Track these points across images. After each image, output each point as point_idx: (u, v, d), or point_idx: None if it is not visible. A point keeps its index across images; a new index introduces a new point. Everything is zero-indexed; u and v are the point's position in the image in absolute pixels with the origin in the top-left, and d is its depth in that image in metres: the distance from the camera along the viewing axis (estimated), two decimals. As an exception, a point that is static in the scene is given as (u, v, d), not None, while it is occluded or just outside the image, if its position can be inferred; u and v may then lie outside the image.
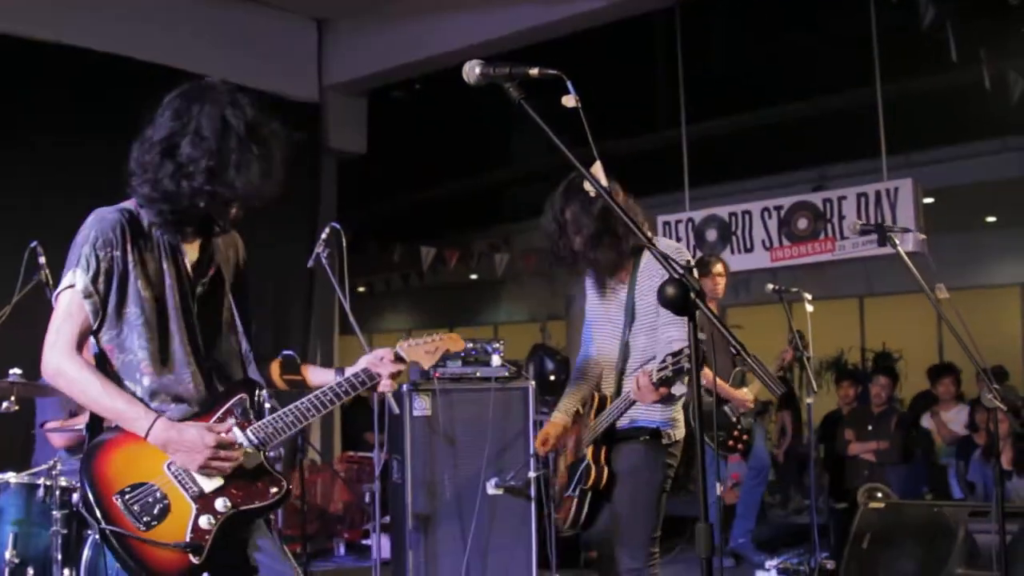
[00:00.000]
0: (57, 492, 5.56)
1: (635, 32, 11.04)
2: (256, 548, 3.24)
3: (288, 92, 10.41)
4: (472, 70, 2.75)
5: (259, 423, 3.21)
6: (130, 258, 3.13)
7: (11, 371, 5.66)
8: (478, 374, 6.57)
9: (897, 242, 5.02)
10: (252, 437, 3.18)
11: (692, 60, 10.44)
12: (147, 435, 3.02)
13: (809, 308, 7.33)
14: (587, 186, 2.58)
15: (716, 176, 12.15)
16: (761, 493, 8.77)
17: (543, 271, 16.36)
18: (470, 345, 6.79)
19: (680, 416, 4.51)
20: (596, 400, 4.56)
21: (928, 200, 10.82)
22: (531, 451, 6.38)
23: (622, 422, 4.43)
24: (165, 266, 3.20)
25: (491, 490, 6.43)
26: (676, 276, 2.43)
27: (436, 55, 10.29)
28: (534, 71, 2.68)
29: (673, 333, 4.27)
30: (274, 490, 3.21)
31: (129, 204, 3.23)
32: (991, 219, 15.23)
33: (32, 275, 5.58)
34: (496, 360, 6.66)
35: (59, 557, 5.46)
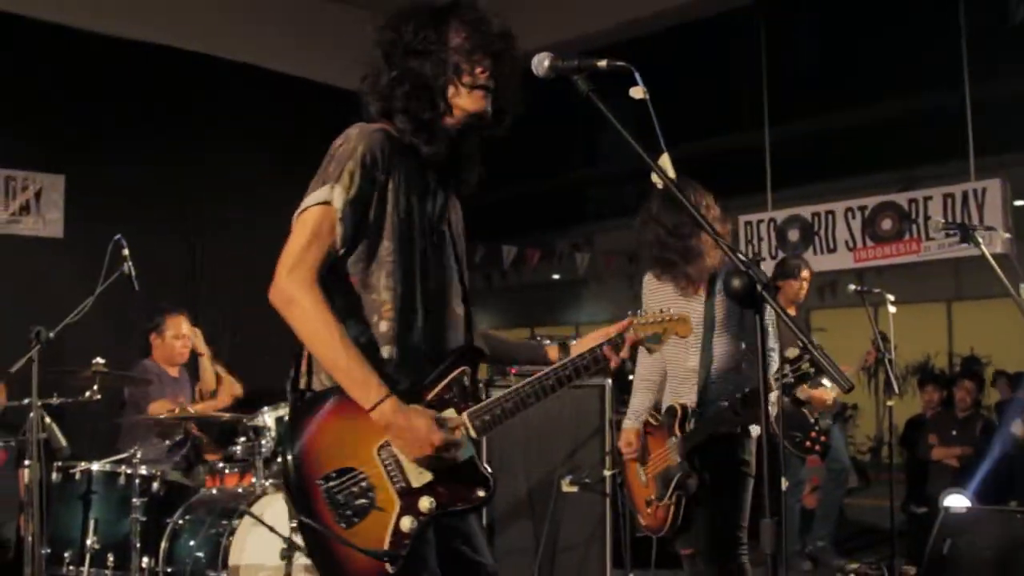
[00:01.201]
0: (137, 480, 5.69)
1: (719, 31, 10.97)
2: (461, 538, 2.91)
3: (344, 84, 10.51)
4: (541, 63, 2.75)
5: (476, 408, 2.80)
6: (391, 184, 2.79)
7: (95, 361, 5.81)
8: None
9: (981, 241, 4.94)
10: (470, 425, 2.79)
11: (775, 59, 10.33)
12: (371, 409, 2.65)
13: (892, 310, 7.22)
14: (654, 178, 2.56)
15: (799, 177, 12.02)
16: (840, 495, 8.64)
17: (625, 271, 16.34)
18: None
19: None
20: (679, 410, 4.65)
21: (1020, 203, 10.60)
22: (607, 449, 6.37)
23: None
24: (415, 199, 2.86)
25: (566, 487, 6.43)
26: (742, 268, 2.42)
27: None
28: (602, 63, 2.66)
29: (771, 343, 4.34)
30: (480, 492, 2.79)
31: (385, 124, 2.87)
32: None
33: (116, 268, 5.71)
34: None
35: (138, 545, 5.60)
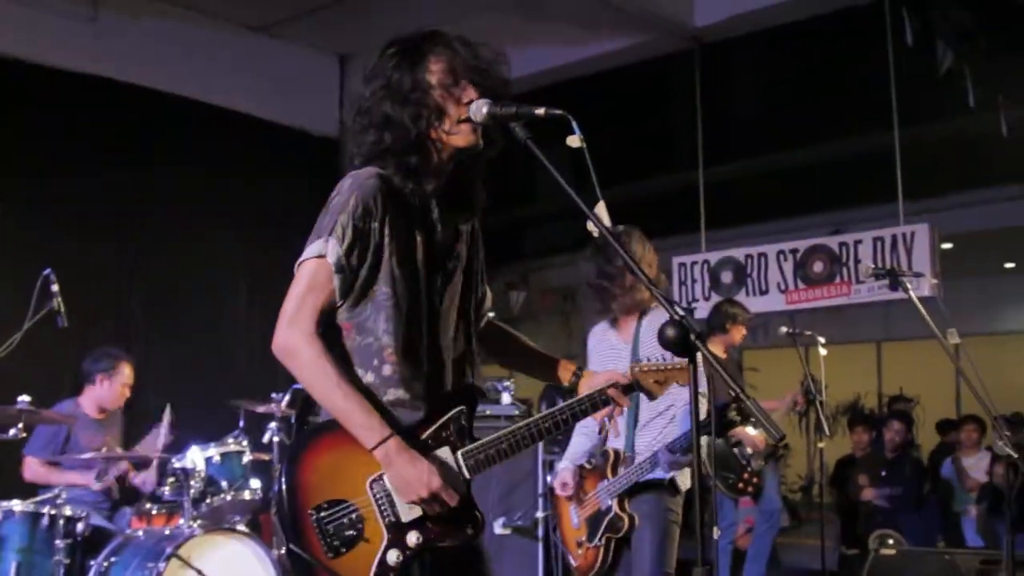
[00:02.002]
0: (61, 521, 5.58)
1: (654, 74, 11.09)
2: None
3: (309, 127, 10.50)
4: (480, 109, 2.78)
5: (471, 447, 2.85)
6: (387, 231, 2.82)
7: (19, 398, 5.70)
8: (488, 412, 6.56)
9: (909, 287, 5.02)
10: (463, 463, 2.84)
11: (710, 103, 10.46)
12: (374, 449, 2.72)
13: (823, 352, 7.31)
14: (590, 226, 2.58)
15: (733, 219, 12.15)
16: (772, 537, 8.68)
17: (560, 309, 16.38)
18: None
19: (688, 467, 4.61)
20: (612, 454, 4.73)
21: (947, 245, 10.79)
22: (540, 491, 6.37)
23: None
24: (418, 238, 2.90)
25: (498, 529, 6.42)
26: (677, 318, 2.43)
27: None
28: (540, 111, 2.69)
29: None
30: (468, 530, 2.85)
31: (379, 169, 2.89)
32: (1010, 265, 15.18)
33: (44, 303, 5.62)
34: (506, 398, 6.66)
35: (62, 587, 5.48)
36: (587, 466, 4.90)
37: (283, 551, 2.82)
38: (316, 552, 2.71)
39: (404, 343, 2.84)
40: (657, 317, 4.55)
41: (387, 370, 2.82)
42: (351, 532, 2.73)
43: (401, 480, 2.73)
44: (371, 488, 2.77)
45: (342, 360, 2.82)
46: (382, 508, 2.76)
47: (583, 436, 5.00)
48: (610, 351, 4.87)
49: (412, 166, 2.85)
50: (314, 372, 2.75)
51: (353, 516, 2.74)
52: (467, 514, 2.85)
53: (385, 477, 2.77)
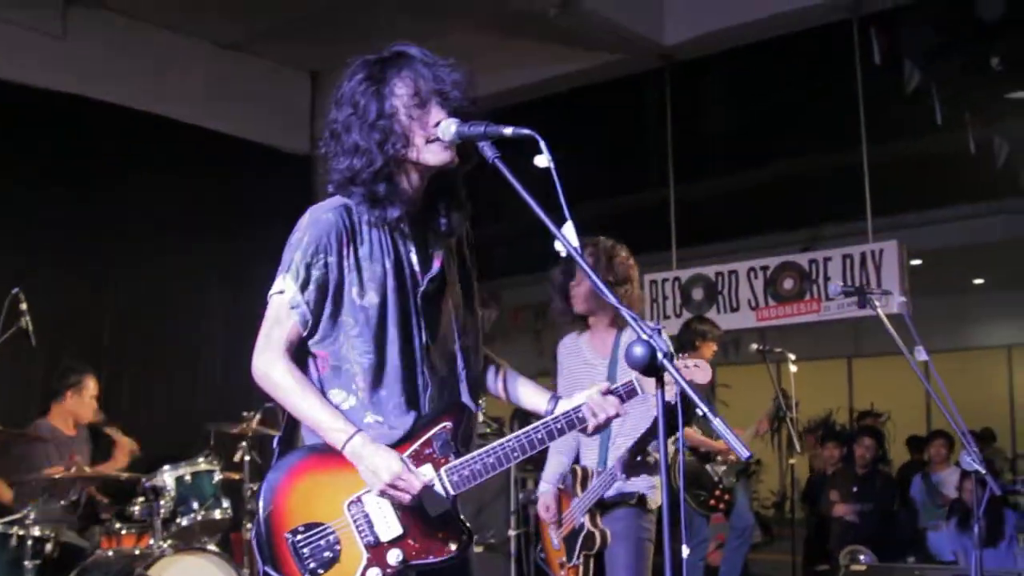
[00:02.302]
0: (30, 542, 5.54)
1: (625, 92, 11.13)
2: None
3: (281, 144, 10.48)
4: (448, 129, 2.81)
5: (456, 463, 2.89)
6: (346, 264, 2.90)
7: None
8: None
9: (877, 304, 5.05)
10: (446, 480, 2.87)
11: (681, 121, 10.51)
12: (343, 448, 2.79)
13: (793, 368, 7.36)
14: (558, 245, 2.58)
15: (703, 236, 12.19)
16: (744, 554, 8.69)
17: (531, 326, 16.39)
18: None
19: (659, 483, 4.61)
20: (580, 472, 4.74)
21: (916, 262, 10.87)
22: (511, 509, 6.37)
23: (610, 491, 4.63)
24: (388, 265, 2.94)
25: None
26: (644, 337, 2.44)
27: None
28: (508, 131, 2.70)
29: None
30: (452, 545, 2.86)
31: (346, 200, 2.96)
32: (978, 281, 15.31)
33: (13, 322, 5.59)
34: (479, 416, 6.66)
35: (30, 609, 5.44)
36: (561, 487, 4.90)
37: (260, 574, 2.81)
38: (292, 574, 2.76)
39: (374, 369, 2.91)
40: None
41: (361, 395, 2.91)
42: (328, 554, 2.78)
43: (368, 472, 2.79)
44: (349, 510, 2.82)
45: (323, 384, 2.93)
46: (360, 529, 2.80)
47: (560, 455, 4.97)
48: (583, 367, 4.87)
49: (379, 195, 2.88)
50: (284, 388, 2.86)
51: (330, 538, 2.79)
52: (451, 530, 2.88)
53: (363, 499, 2.82)
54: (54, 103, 8.76)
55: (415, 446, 2.89)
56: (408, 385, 2.94)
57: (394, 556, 2.79)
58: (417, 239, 3.01)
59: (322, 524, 2.80)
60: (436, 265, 3.04)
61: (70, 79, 8.88)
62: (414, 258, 3.00)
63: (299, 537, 2.78)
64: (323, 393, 2.92)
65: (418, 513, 2.84)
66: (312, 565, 2.76)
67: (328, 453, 2.86)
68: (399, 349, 2.93)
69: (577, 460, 4.91)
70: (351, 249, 2.90)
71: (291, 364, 2.88)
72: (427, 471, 2.86)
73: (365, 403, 2.90)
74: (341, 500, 2.83)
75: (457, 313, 3.10)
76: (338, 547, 2.78)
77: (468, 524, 2.94)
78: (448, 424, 2.93)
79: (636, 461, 4.45)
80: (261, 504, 2.81)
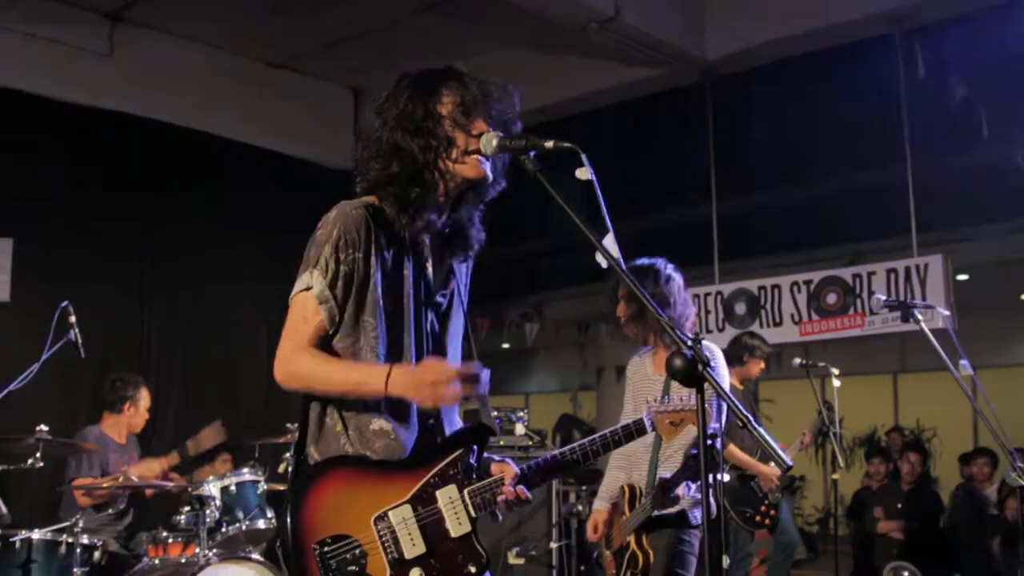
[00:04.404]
0: (78, 550, 5.61)
1: (667, 106, 11.13)
2: None
3: (323, 160, 10.58)
4: (489, 142, 2.82)
5: (477, 485, 2.86)
6: (373, 261, 2.86)
7: (38, 428, 5.75)
8: (501, 442, 6.58)
9: (920, 319, 5.03)
10: (468, 503, 2.85)
11: (723, 135, 10.49)
12: (388, 389, 2.74)
13: (837, 383, 7.32)
14: (599, 258, 2.60)
15: (747, 250, 12.15)
16: (787, 569, 8.66)
17: (574, 340, 16.39)
18: (495, 413, 6.82)
19: (701, 499, 4.62)
20: (628, 491, 4.78)
21: (962, 277, 10.77)
22: (553, 521, 6.37)
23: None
24: (407, 271, 2.93)
25: (512, 559, 6.41)
26: (685, 347, 2.45)
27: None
28: (549, 144, 2.71)
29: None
30: (471, 567, 2.84)
31: (372, 199, 2.93)
32: (1025, 297, 15.14)
33: (63, 334, 5.67)
34: (520, 428, 6.68)
35: (79, 616, 5.50)
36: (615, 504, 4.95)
37: None
38: None
39: None
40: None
41: (375, 400, 2.85)
42: (354, 568, 2.75)
43: (413, 388, 2.75)
44: (375, 525, 2.79)
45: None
46: (386, 545, 2.77)
47: (617, 471, 5.02)
48: (646, 381, 4.93)
49: (411, 199, 2.87)
50: (312, 380, 2.83)
51: (356, 552, 2.76)
52: (470, 553, 2.85)
53: (389, 515, 2.79)
54: (101, 120, 8.92)
55: (441, 466, 2.86)
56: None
57: (416, 574, 2.78)
58: (435, 253, 3.02)
59: (350, 537, 2.77)
60: (451, 283, 3.06)
61: (116, 97, 9.04)
62: (430, 271, 3.00)
63: (327, 549, 2.75)
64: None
65: (442, 533, 2.82)
66: None
67: (354, 467, 2.85)
68: (413, 359, 2.90)
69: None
70: (377, 248, 2.86)
71: (313, 349, 2.82)
72: (452, 492, 2.85)
73: (376, 408, 2.86)
74: (369, 514, 2.80)
75: (455, 340, 3.09)
76: (364, 561, 2.76)
77: (486, 550, 2.90)
78: (472, 446, 2.92)
79: (667, 497, 4.50)
80: (289, 515, 2.78)
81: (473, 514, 2.85)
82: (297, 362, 2.81)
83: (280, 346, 2.84)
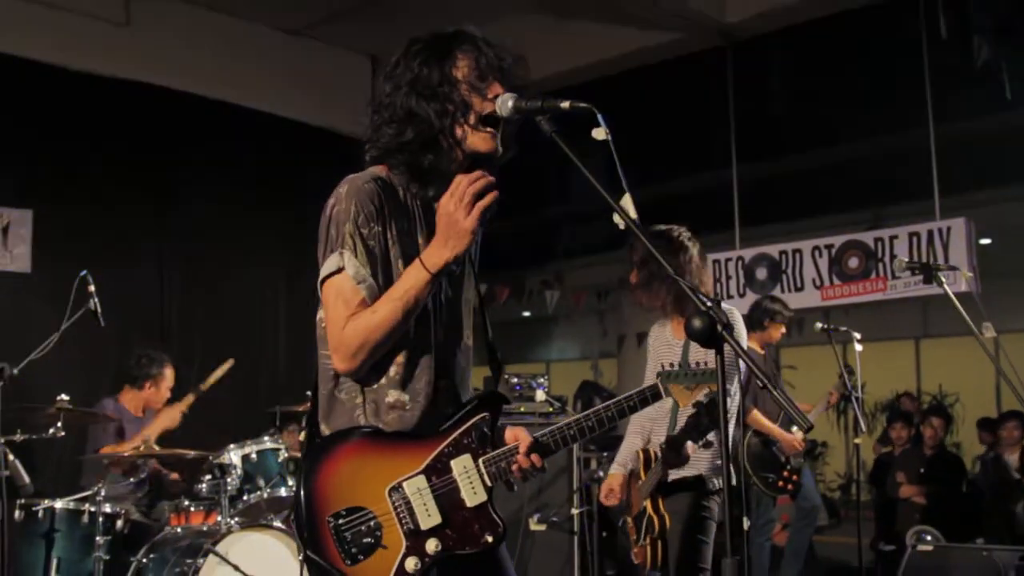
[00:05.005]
0: (101, 519, 5.65)
1: (686, 70, 11.05)
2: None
3: (340, 127, 10.54)
4: (505, 103, 2.76)
5: (492, 455, 2.83)
6: (389, 235, 2.81)
7: (59, 397, 5.77)
8: (522, 408, 6.57)
9: (944, 281, 4.98)
10: (483, 472, 2.83)
11: (743, 99, 10.42)
12: (431, 270, 2.71)
13: (859, 348, 7.26)
14: (616, 219, 2.57)
15: (767, 215, 12.08)
16: (810, 533, 8.65)
17: (595, 308, 16.37)
18: (515, 380, 6.81)
19: (720, 463, 4.61)
20: (643, 456, 4.78)
21: (986, 241, 10.68)
22: (574, 487, 6.37)
23: (672, 474, 4.65)
24: (421, 241, 2.86)
25: (534, 526, 6.42)
26: (704, 309, 2.43)
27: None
28: (565, 104, 2.67)
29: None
30: (488, 537, 2.81)
31: (380, 171, 2.89)
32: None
33: (82, 304, 5.68)
34: (540, 395, 6.67)
35: (102, 583, 5.54)
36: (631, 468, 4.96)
37: (300, 558, 2.78)
38: (334, 559, 2.70)
39: (414, 345, 2.83)
40: None
41: (393, 372, 2.81)
42: (369, 539, 2.72)
43: (444, 242, 2.72)
44: (390, 496, 2.75)
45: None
46: (401, 516, 2.74)
47: (635, 436, 5.03)
48: (665, 347, 4.93)
49: (423, 166, 2.83)
50: (370, 328, 2.73)
51: (371, 523, 2.73)
52: (487, 520, 2.83)
53: (404, 485, 2.76)
54: (119, 91, 8.90)
55: (456, 434, 2.83)
56: (442, 369, 2.88)
57: (432, 545, 2.74)
58: None
59: (364, 509, 2.74)
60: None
61: (133, 66, 9.01)
62: None
63: (341, 521, 2.72)
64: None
65: (457, 503, 2.79)
66: (354, 551, 2.70)
67: (367, 438, 2.81)
68: (436, 328, 2.87)
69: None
70: (392, 220, 2.82)
71: (352, 318, 2.74)
72: (467, 462, 2.82)
73: (395, 381, 2.81)
74: (383, 486, 2.76)
75: (468, 308, 3.03)
76: (379, 533, 2.73)
77: (503, 519, 2.87)
78: (487, 415, 2.88)
79: (677, 456, 4.47)
80: (302, 487, 2.75)
81: (488, 483, 2.83)
82: (349, 337, 2.73)
83: (330, 336, 2.78)
